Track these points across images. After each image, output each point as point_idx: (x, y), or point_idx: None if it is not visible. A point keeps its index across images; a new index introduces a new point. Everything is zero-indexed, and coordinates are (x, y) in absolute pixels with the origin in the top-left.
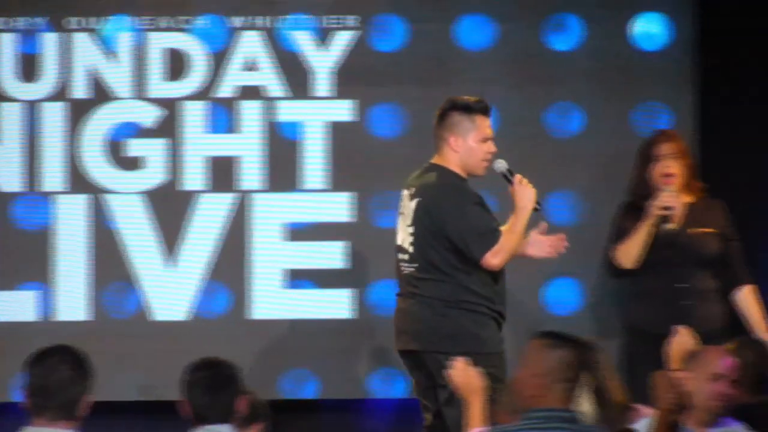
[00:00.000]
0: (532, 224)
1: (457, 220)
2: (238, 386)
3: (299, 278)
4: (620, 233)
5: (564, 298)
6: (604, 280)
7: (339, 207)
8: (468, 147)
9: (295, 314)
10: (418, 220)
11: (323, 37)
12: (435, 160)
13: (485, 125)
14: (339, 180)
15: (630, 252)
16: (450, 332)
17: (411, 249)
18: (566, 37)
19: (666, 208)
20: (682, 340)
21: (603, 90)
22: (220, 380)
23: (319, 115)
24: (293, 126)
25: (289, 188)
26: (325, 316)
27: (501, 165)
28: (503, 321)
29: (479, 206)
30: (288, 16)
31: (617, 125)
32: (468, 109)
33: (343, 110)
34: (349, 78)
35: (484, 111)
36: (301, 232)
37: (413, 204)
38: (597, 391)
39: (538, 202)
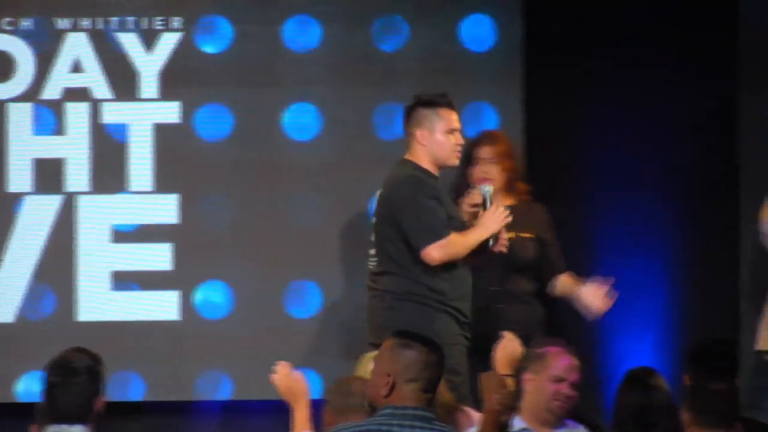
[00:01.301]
0: None
1: (409, 210)
2: (97, 386)
3: (125, 280)
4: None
5: None
6: None
7: (165, 209)
8: (435, 140)
9: (122, 316)
10: (378, 213)
11: (149, 38)
12: (406, 156)
13: (451, 117)
14: (164, 182)
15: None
16: (400, 325)
17: (374, 243)
18: (393, 38)
19: (475, 205)
20: (508, 344)
21: (431, 90)
22: (74, 380)
23: (144, 117)
24: (119, 128)
25: (115, 190)
26: (151, 318)
27: (486, 189)
28: (464, 318)
29: (435, 200)
30: (114, 18)
31: None
32: (432, 103)
33: (169, 112)
34: (175, 80)
35: (449, 104)
36: (127, 233)
37: (376, 198)
38: None
39: (496, 236)
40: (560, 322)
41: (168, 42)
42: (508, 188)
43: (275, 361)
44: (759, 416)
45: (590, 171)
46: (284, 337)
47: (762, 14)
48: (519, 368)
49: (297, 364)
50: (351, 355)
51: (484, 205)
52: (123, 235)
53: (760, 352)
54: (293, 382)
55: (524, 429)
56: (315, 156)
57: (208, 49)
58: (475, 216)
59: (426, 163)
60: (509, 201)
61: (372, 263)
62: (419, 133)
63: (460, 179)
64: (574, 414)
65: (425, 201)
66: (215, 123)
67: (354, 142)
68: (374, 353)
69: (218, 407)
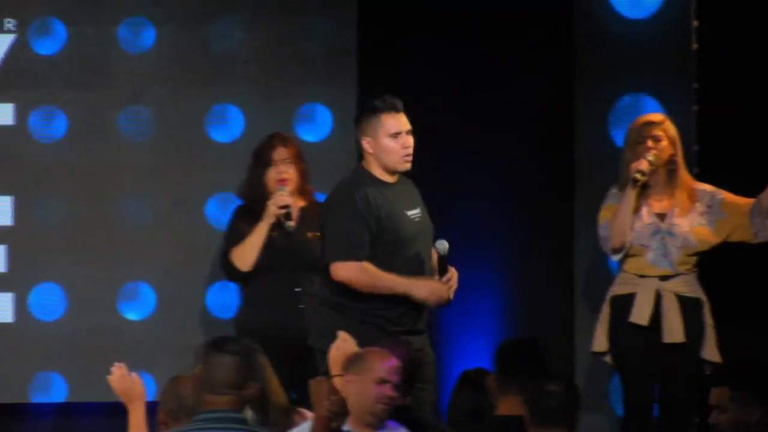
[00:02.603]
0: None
1: (330, 221)
2: None
3: None
4: (236, 237)
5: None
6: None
7: None
8: (380, 145)
9: None
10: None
11: None
12: (363, 162)
13: (393, 121)
14: None
15: (247, 255)
16: (321, 330)
17: None
18: (227, 39)
19: (283, 207)
20: (342, 344)
21: (263, 92)
22: None
23: None
24: None
25: None
26: None
27: (442, 246)
28: (394, 326)
29: (359, 217)
30: None
31: (279, 127)
32: (373, 110)
33: (3, 114)
34: (9, 81)
35: (391, 108)
36: None
37: None
38: (260, 394)
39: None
40: None
41: (1, 44)
42: (301, 190)
43: (110, 363)
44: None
45: (423, 171)
46: (119, 338)
47: (597, 12)
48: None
49: (132, 366)
50: (185, 357)
51: (441, 262)
52: None
53: (597, 354)
54: (130, 384)
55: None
56: (149, 157)
57: (42, 50)
58: (287, 217)
59: (377, 170)
60: (301, 202)
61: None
62: (365, 142)
63: (254, 183)
64: (408, 414)
65: (349, 217)
66: (49, 124)
67: (187, 143)
68: None
69: (53, 409)
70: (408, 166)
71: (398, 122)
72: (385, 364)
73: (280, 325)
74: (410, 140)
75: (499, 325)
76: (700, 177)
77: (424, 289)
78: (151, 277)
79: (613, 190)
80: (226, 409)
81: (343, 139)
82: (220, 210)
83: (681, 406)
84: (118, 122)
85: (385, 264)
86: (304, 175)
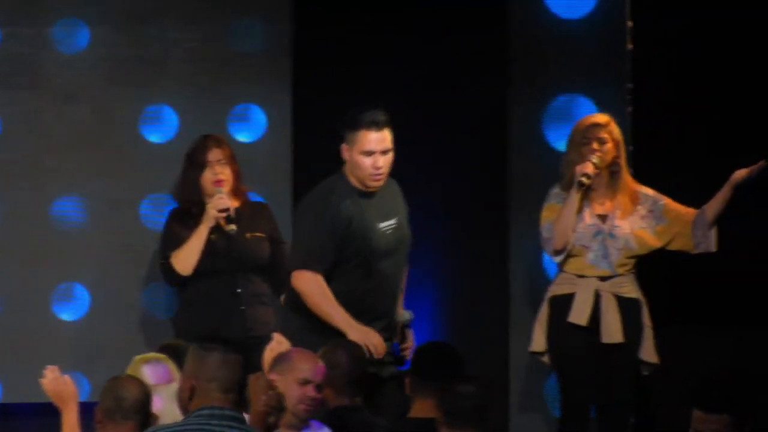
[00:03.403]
0: None
1: (299, 225)
2: None
3: None
4: (173, 240)
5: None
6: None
7: None
8: (353, 158)
9: None
10: None
11: None
12: (344, 166)
13: (367, 139)
14: None
15: (187, 259)
16: (286, 332)
17: None
18: (162, 39)
19: (223, 210)
20: (277, 345)
21: (198, 92)
22: None
23: None
24: None
25: None
26: None
27: (403, 319)
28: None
29: (326, 227)
30: None
31: (214, 128)
32: (354, 122)
33: None
34: None
35: (372, 124)
36: None
37: None
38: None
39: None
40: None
41: None
42: (236, 191)
43: (44, 364)
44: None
45: None
46: (52, 339)
47: (531, 12)
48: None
49: (66, 367)
50: (120, 357)
51: (402, 329)
52: None
53: (535, 353)
54: (62, 386)
55: None
56: (83, 157)
57: None
58: (229, 220)
59: (353, 178)
60: (236, 203)
61: None
62: (344, 148)
63: (189, 186)
64: (334, 415)
65: (317, 226)
66: None
67: (121, 144)
68: (145, 355)
69: None
70: (376, 185)
71: (374, 141)
72: (308, 365)
73: (221, 327)
74: (383, 160)
75: (433, 326)
76: (634, 178)
77: (359, 334)
78: (86, 277)
79: (555, 190)
80: (218, 406)
81: (277, 139)
82: (154, 210)
83: (618, 407)
84: (53, 123)
85: (350, 276)
86: (237, 175)
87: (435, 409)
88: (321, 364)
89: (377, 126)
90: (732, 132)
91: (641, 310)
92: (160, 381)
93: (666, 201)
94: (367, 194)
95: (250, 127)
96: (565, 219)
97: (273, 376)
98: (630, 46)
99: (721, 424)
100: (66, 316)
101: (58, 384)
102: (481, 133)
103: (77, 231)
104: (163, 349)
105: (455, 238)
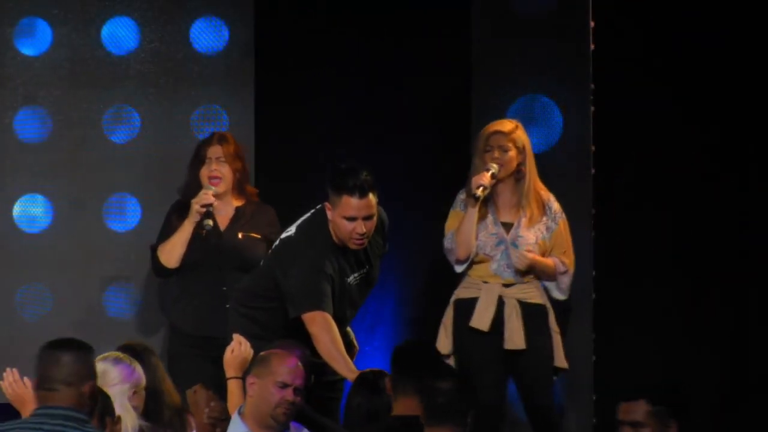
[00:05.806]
0: None
1: (289, 272)
2: None
3: None
4: (167, 231)
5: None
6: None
7: None
8: (335, 220)
9: None
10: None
11: None
12: (327, 210)
13: (351, 205)
14: None
15: (171, 251)
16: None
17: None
18: (124, 40)
19: (205, 206)
20: (237, 346)
21: (160, 93)
22: None
23: None
24: None
25: None
26: None
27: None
28: None
29: (323, 275)
30: None
31: (175, 128)
32: (335, 186)
33: None
34: None
35: (355, 191)
36: None
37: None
38: (151, 393)
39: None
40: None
41: None
42: (238, 189)
43: (6, 364)
44: None
45: (322, 173)
46: (14, 340)
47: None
48: (245, 370)
49: (28, 368)
50: None
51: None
52: None
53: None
54: (22, 389)
55: None
56: (46, 158)
57: None
58: (208, 215)
59: (332, 226)
60: (238, 202)
61: None
62: (327, 206)
63: (190, 181)
64: (303, 414)
65: (315, 270)
66: None
67: (84, 144)
68: (105, 355)
69: None
70: (356, 247)
71: (356, 208)
72: (287, 367)
73: (204, 324)
74: (364, 226)
75: (392, 327)
76: (597, 178)
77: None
78: (48, 277)
79: (461, 196)
80: (61, 407)
81: (239, 140)
82: (117, 210)
83: (542, 411)
84: (14, 123)
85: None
86: (241, 175)
87: (417, 406)
88: (300, 367)
89: (361, 193)
90: (696, 132)
91: (547, 316)
92: (125, 380)
93: (560, 223)
94: (342, 249)
95: (213, 128)
96: (465, 231)
97: (251, 379)
98: (593, 47)
99: (641, 411)
100: (28, 316)
101: (18, 387)
102: (443, 132)
103: (39, 231)
104: (123, 349)
105: (414, 239)
